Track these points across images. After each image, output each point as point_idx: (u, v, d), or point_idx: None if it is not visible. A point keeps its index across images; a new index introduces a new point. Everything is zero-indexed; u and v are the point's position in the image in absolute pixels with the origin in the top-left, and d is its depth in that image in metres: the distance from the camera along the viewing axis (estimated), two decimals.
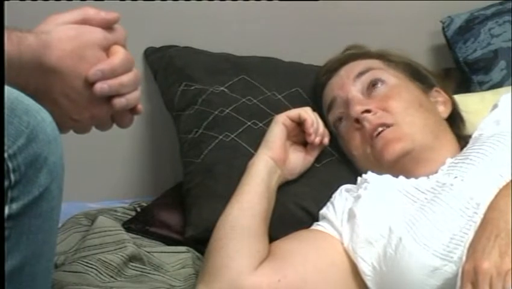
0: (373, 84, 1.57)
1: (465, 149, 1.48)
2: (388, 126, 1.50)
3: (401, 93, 1.56)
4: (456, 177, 1.41)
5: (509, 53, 1.90)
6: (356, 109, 1.53)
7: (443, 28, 1.98)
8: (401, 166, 1.49)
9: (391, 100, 1.54)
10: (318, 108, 1.63)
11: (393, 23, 1.99)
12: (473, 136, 1.52)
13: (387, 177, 1.49)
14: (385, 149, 1.49)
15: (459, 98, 1.69)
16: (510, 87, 1.77)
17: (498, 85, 1.89)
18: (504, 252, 1.16)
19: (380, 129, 1.50)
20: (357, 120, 1.52)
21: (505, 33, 1.92)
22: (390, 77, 1.58)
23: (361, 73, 1.59)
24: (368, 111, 1.52)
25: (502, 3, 1.99)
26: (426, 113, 1.54)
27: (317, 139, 1.55)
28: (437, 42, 2.05)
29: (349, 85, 1.58)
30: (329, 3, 1.95)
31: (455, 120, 1.62)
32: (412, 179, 1.47)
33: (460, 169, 1.42)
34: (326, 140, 1.58)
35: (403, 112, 1.52)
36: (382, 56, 1.64)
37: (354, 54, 1.66)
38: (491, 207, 1.24)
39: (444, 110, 1.60)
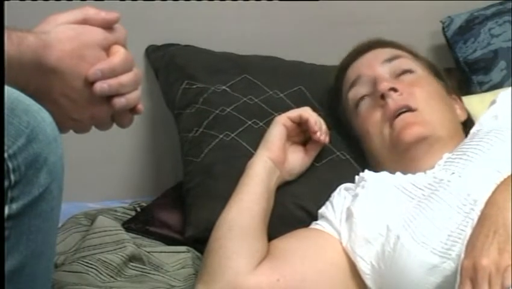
0: (401, 71, 1.59)
1: (462, 143, 1.49)
2: (411, 109, 1.52)
3: (427, 84, 1.59)
4: (453, 173, 1.41)
5: (509, 53, 1.90)
6: (384, 84, 1.54)
7: (443, 28, 1.99)
8: (413, 152, 1.50)
9: (416, 87, 1.56)
10: (335, 89, 1.65)
11: (393, 23, 1.99)
12: (471, 131, 1.53)
13: (384, 174, 1.50)
14: (404, 130, 1.50)
15: None
16: (510, 87, 1.77)
17: (498, 85, 1.89)
18: (503, 248, 1.16)
19: (403, 109, 1.52)
20: (382, 96, 1.53)
21: (505, 33, 1.92)
22: (418, 69, 1.61)
23: (392, 59, 1.61)
24: (395, 90, 1.53)
25: (502, 3, 1.99)
26: (446, 108, 1.57)
27: (323, 136, 1.55)
28: (437, 42, 2.05)
29: (377, 66, 1.60)
30: (329, 3, 1.96)
31: (468, 128, 1.61)
32: (409, 175, 1.47)
33: (457, 165, 1.42)
34: (327, 138, 1.58)
35: (426, 101, 1.54)
36: (410, 51, 1.66)
37: (384, 41, 1.67)
38: (489, 203, 1.24)
39: (461, 114, 1.62)
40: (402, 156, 1.51)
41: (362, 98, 1.59)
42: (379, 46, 1.65)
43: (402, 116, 1.51)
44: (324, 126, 1.57)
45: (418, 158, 1.50)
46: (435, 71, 1.65)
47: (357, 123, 1.61)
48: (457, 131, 1.56)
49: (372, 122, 1.56)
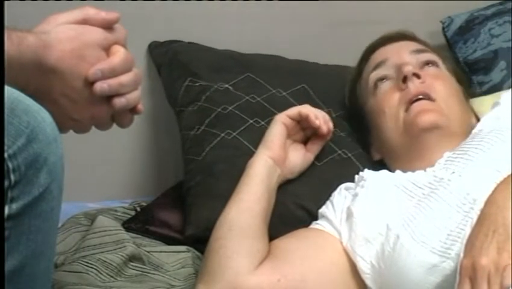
0: (427, 63, 1.62)
1: (463, 143, 1.49)
2: (430, 98, 1.54)
3: (449, 81, 1.61)
4: (453, 172, 1.42)
5: (509, 53, 1.90)
6: (410, 68, 1.56)
7: (443, 28, 1.98)
8: (423, 139, 1.51)
9: (439, 81, 1.59)
10: (357, 70, 1.67)
11: (392, 23, 1.98)
12: (473, 131, 1.54)
13: (384, 173, 1.50)
14: (420, 115, 1.52)
15: None
16: (510, 89, 1.77)
17: (498, 85, 1.89)
18: (502, 248, 1.16)
19: (421, 96, 1.54)
20: (405, 79, 1.55)
21: (505, 33, 1.92)
22: (443, 67, 1.64)
23: (419, 51, 1.64)
24: (418, 76, 1.56)
25: (502, 3, 1.99)
26: (463, 109, 1.60)
27: (330, 126, 1.56)
28: (437, 42, 2.05)
29: (405, 54, 1.63)
30: (329, 3, 1.96)
31: None
32: (409, 173, 1.48)
33: (458, 164, 1.43)
34: (331, 125, 1.58)
35: (445, 95, 1.57)
36: (436, 51, 1.69)
37: (414, 36, 1.70)
38: (489, 202, 1.24)
39: (474, 121, 1.63)
40: (412, 142, 1.52)
41: (383, 78, 1.61)
42: (410, 38, 1.68)
43: (420, 102, 1.54)
44: (326, 117, 1.57)
45: (428, 147, 1.51)
46: (458, 76, 1.68)
47: (373, 104, 1.62)
48: (468, 133, 1.57)
49: (389, 103, 1.57)
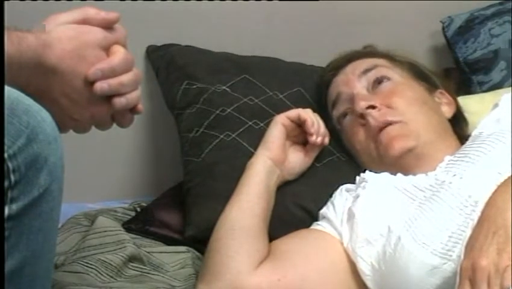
0: (378, 81, 1.59)
1: (464, 146, 1.49)
2: (392, 123, 1.52)
3: (405, 90, 1.58)
4: (455, 175, 1.41)
5: (509, 53, 1.90)
6: (361, 104, 1.54)
7: (443, 28, 1.99)
8: (403, 163, 1.50)
9: (395, 97, 1.55)
10: (322, 106, 1.64)
11: (393, 23, 1.99)
12: (473, 134, 1.53)
13: (385, 175, 1.50)
14: (390, 145, 1.50)
15: (459, 100, 1.69)
16: (510, 87, 1.77)
17: (498, 85, 1.89)
18: (502, 249, 1.16)
19: (384, 124, 1.52)
20: (361, 116, 1.54)
21: (505, 33, 1.92)
22: (395, 75, 1.60)
23: (367, 70, 1.60)
24: (373, 107, 1.53)
25: (502, 3, 1.99)
26: (429, 111, 1.56)
27: (319, 140, 1.55)
28: (437, 42, 2.05)
29: (354, 81, 1.60)
30: (329, 3, 1.96)
31: (458, 121, 1.63)
32: (411, 176, 1.47)
33: (459, 167, 1.42)
34: (327, 140, 1.58)
35: (406, 109, 1.54)
36: (387, 56, 1.65)
37: (360, 52, 1.67)
38: (489, 204, 1.24)
39: (447, 110, 1.62)
40: (394, 167, 1.51)
41: (344, 115, 1.59)
42: (355, 58, 1.65)
43: (385, 130, 1.52)
44: (323, 129, 1.57)
45: (411, 167, 1.50)
46: (415, 72, 1.64)
47: (345, 140, 1.62)
48: (445, 130, 1.57)
49: (357, 140, 1.56)
